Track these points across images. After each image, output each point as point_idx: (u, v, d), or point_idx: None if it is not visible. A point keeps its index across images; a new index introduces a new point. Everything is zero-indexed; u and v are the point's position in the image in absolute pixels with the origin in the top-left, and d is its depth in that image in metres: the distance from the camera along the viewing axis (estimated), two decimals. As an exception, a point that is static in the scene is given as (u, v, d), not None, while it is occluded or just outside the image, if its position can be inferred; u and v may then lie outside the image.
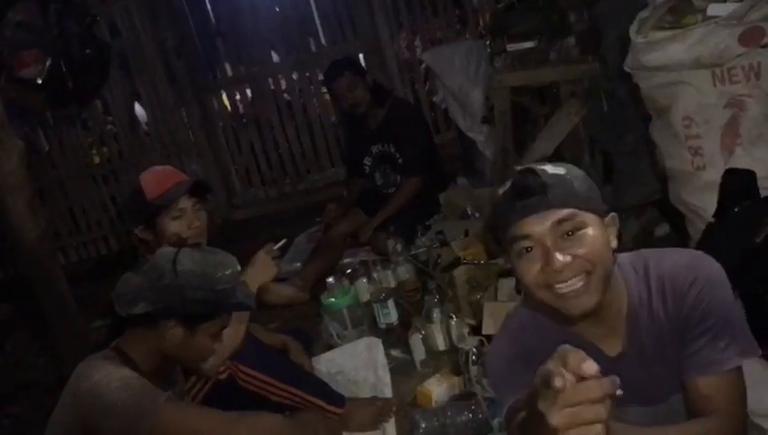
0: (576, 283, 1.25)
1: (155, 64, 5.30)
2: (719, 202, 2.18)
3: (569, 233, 1.24)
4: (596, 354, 1.34)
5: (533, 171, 1.27)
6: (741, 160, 2.23)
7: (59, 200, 5.61)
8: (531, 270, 1.26)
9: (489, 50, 3.59)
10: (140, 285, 1.69)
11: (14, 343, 4.39)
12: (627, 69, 2.39)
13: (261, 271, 2.32)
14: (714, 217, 2.20)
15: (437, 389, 2.39)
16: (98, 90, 4.49)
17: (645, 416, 1.38)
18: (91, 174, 5.65)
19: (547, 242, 1.24)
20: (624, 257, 1.39)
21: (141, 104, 5.61)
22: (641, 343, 1.36)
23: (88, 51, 3.77)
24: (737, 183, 2.17)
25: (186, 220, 2.23)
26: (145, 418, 1.57)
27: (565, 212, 1.24)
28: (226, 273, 1.75)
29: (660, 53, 2.24)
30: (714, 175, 2.24)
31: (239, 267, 1.82)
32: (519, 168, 1.30)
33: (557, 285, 1.25)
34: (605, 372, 1.34)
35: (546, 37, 3.23)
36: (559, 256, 1.23)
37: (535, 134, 3.37)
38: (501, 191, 1.31)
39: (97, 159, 5.74)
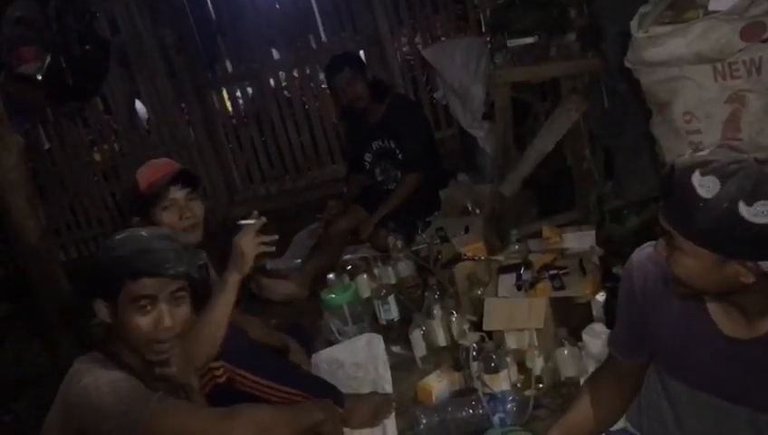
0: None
1: (155, 61, 5.30)
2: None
3: (669, 244, 1.29)
4: (708, 328, 1.37)
5: (682, 172, 1.24)
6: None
7: (59, 197, 5.62)
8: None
9: (489, 46, 3.58)
10: None
11: (15, 339, 4.39)
12: (627, 64, 2.38)
13: (237, 260, 2.16)
14: (715, 212, 2.19)
15: (438, 385, 2.39)
16: (98, 86, 4.48)
17: (719, 412, 1.38)
18: (91, 171, 5.66)
19: (663, 237, 1.31)
20: None
21: (141, 101, 5.61)
22: None
23: (87, 47, 3.76)
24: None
25: (177, 211, 2.22)
26: (138, 421, 1.55)
27: (667, 228, 1.28)
28: (123, 235, 1.70)
29: (661, 48, 2.24)
30: (714, 170, 2.23)
31: (162, 233, 1.74)
32: (701, 153, 1.26)
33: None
34: (715, 346, 1.36)
35: (546, 33, 3.22)
36: (661, 251, 1.32)
37: (536, 130, 3.36)
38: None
39: (98, 157, 5.75)
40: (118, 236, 1.70)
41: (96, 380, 1.59)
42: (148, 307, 1.64)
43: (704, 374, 1.40)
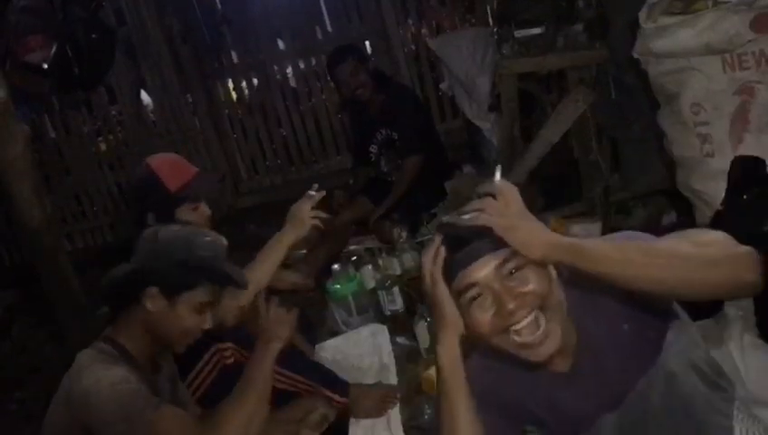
0: (531, 320, 1.22)
1: (161, 51, 5.30)
2: (727, 189, 2.17)
3: (512, 272, 1.22)
4: (549, 376, 1.32)
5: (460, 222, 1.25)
6: (750, 147, 2.21)
7: (65, 186, 5.63)
8: (484, 317, 1.24)
9: (496, 36, 3.56)
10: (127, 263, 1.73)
11: (21, 328, 4.41)
12: (635, 55, 2.37)
13: (298, 224, 2.32)
14: (722, 204, 2.18)
15: (442, 376, 2.39)
16: (103, 75, 4.48)
17: (616, 425, 1.31)
18: (97, 161, 5.67)
19: (495, 286, 1.22)
20: None
21: (147, 91, 5.61)
22: (592, 342, 1.30)
23: (93, 36, 3.76)
24: (746, 170, 2.15)
25: (203, 211, 2.32)
26: (136, 429, 1.57)
27: (505, 252, 1.22)
28: (207, 239, 1.77)
29: (669, 39, 2.22)
30: (722, 162, 2.22)
31: (225, 241, 1.83)
32: (444, 219, 1.30)
33: (514, 327, 1.23)
34: (563, 389, 1.32)
35: (554, 23, 3.21)
36: (509, 297, 1.21)
37: (542, 122, 3.35)
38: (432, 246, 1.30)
39: (103, 146, 5.75)
40: (199, 237, 1.77)
41: (98, 381, 1.60)
42: (205, 311, 1.73)
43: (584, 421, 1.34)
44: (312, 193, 2.35)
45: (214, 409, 1.82)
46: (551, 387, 1.33)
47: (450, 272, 1.26)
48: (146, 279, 1.70)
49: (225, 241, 1.84)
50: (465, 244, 1.24)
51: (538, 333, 1.22)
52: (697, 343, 1.34)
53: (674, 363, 1.27)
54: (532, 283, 1.22)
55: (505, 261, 1.22)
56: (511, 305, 1.21)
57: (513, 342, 1.24)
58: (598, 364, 1.30)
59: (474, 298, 1.24)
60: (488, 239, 1.22)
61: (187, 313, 1.72)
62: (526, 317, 1.22)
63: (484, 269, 1.23)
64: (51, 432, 1.72)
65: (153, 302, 1.70)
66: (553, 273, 1.27)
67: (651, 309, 1.27)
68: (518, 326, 1.22)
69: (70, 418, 1.65)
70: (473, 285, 1.23)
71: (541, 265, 1.24)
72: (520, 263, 1.22)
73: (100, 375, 1.61)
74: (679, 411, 1.28)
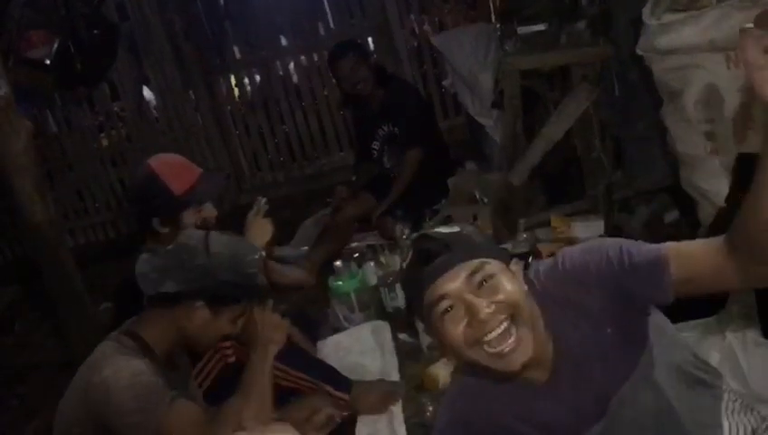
0: (503, 330, 1.22)
1: (163, 47, 5.29)
2: (731, 187, 2.16)
3: (482, 283, 1.23)
4: (527, 389, 1.32)
5: (430, 235, 1.30)
6: (754, 145, 2.20)
7: (67, 182, 5.63)
8: (456, 329, 1.24)
9: (499, 33, 3.55)
10: (167, 264, 1.71)
11: (22, 324, 4.41)
12: (639, 52, 2.36)
13: (258, 232, 2.41)
14: (726, 202, 2.18)
15: (444, 372, 2.38)
16: (105, 71, 4.48)
17: (607, 433, 1.30)
18: (99, 156, 5.67)
19: (466, 296, 1.23)
20: None
21: (150, 87, 5.60)
22: (573, 351, 1.30)
23: (96, 32, 3.76)
24: (750, 168, 2.14)
25: (207, 211, 2.29)
26: (151, 420, 1.60)
27: (474, 263, 1.24)
28: (255, 257, 1.81)
29: (673, 35, 2.21)
30: (726, 160, 2.22)
31: (264, 253, 1.92)
32: (415, 235, 1.36)
33: (486, 338, 1.22)
34: (541, 401, 1.31)
35: (557, 20, 3.20)
36: (482, 306, 1.21)
37: (545, 119, 3.34)
38: (405, 265, 1.32)
39: (106, 142, 5.75)
40: (248, 255, 1.81)
41: (116, 372, 1.62)
42: (239, 320, 1.82)
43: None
44: (261, 204, 2.53)
45: (217, 406, 1.84)
46: (529, 400, 1.33)
47: (421, 285, 1.26)
48: (193, 294, 1.72)
49: (263, 253, 1.92)
50: (435, 256, 1.25)
51: (510, 341, 1.22)
52: (678, 341, 1.34)
53: (657, 366, 1.26)
54: (502, 292, 1.23)
55: (475, 271, 1.24)
56: (482, 315, 1.21)
57: (486, 353, 1.23)
58: (579, 373, 1.29)
59: (446, 311, 1.24)
60: (457, 251, 1.24)
61: (226, 323, 1.78)
62: (498, 327, 1.22)
63: (455, 281, 1.23)
64: (62, 424, 1.73)
65: (197, 314, 1.73)
66: (524, 286, 1.28)
67: (632, 309, 1.27)
68: (490, 337, 1.22)
69: (84, 410, 1.66)
70: (444, 296, 1.24)
71: (511, 274, 1.26)
72: (490, 273, 1.24)
73: (120, 366, 1.64)
74: (666, 414, 1.27)
